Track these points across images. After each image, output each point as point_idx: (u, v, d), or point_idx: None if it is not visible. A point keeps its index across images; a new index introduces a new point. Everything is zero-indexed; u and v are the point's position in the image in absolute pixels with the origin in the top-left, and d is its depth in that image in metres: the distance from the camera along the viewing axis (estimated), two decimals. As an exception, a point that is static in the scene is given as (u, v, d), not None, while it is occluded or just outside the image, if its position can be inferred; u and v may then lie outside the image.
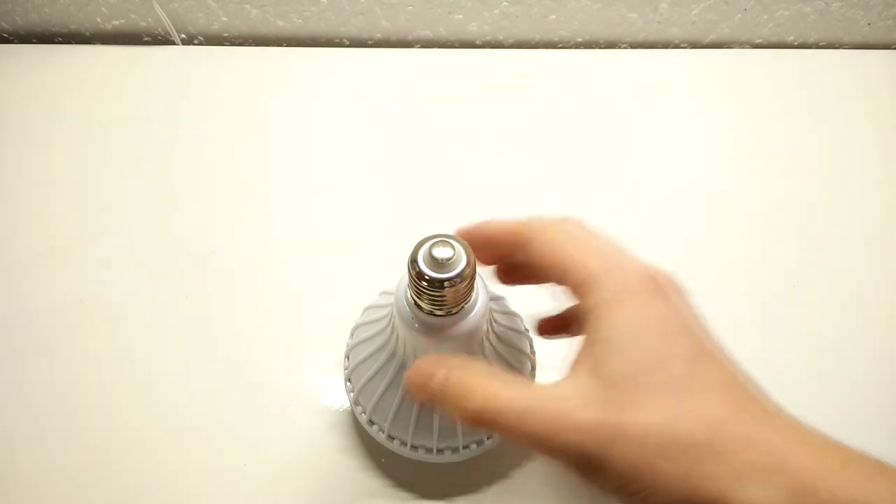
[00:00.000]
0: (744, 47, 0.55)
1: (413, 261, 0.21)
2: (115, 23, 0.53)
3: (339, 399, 0.35)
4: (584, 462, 0.17)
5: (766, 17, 0.52)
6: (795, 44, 0.55)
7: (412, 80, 0.51)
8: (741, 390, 0.18)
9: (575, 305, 0.21)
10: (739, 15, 0.52)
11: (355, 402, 0.30)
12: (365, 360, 0.28)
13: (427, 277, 0.20)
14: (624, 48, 0.55)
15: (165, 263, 0.40)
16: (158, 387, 0.35)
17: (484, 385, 0.19)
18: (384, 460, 0.33)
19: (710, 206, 0.44)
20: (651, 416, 0.17)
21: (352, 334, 0.31)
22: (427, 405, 0.26)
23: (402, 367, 0.26)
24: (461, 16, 0.52)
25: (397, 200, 0.44)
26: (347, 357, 0.30)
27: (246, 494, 0.32)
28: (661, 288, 0.19)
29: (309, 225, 0.42)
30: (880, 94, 0.51)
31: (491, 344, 0.26)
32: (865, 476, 0.16)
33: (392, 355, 0.26)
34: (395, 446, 0.29)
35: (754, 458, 0.16)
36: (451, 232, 0.22)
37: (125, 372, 0.36)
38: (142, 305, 0.38)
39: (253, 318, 0.38)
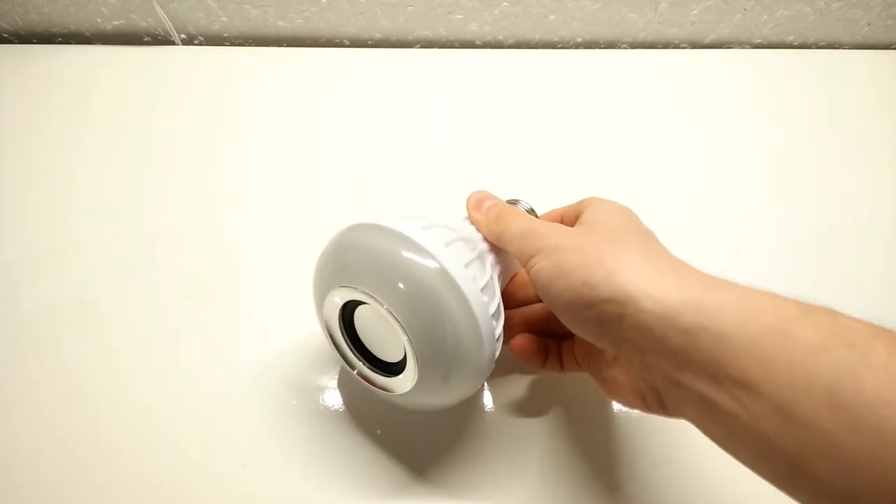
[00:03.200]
0: (744, 47, 0.55)
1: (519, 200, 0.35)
2: (115, 23, 0.53)
3: (337, 399, 0.35)
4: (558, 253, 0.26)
5: (766, 17, 0.52)
6: (795, 44, 0.55)
7: (412, 80, 0.51)
8: (661, 261, 0.26)
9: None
10: (739, 15, 0.52)
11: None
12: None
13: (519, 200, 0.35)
14: (624, 48, 0.55)
15: (165, 263, 0.40)
16: (159, 386, 0.35)
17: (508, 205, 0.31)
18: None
19: (710, 204, 0.44)
20: (608, 248, 0.26)
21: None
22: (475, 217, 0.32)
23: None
24: (461, 16, 0.52)
25: (397, 199, 0.44)
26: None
27: (247, 493, 0.32)
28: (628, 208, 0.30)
29: (309, 223, 0.42)
30: (880, 94, 0.51)
31: None
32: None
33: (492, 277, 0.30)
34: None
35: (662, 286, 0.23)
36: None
37: (125, 371, 0.36)
38: (142, 305, 0.38)
39: (254, 318, 0.38)
